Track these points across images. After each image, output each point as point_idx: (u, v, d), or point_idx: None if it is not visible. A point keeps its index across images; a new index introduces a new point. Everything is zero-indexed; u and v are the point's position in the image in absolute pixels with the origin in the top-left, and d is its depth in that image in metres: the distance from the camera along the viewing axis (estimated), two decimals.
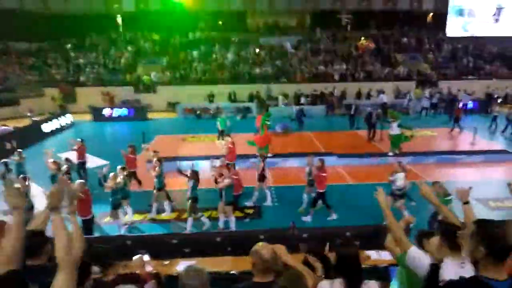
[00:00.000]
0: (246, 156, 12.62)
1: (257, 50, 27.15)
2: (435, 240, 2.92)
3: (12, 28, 25.38)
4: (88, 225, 7.13)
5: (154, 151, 10.01)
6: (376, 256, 5.51)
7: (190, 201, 8.13)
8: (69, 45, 27.58)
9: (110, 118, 21.45)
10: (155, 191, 9.17)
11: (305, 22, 30.79)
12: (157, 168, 9.01)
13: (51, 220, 2.12)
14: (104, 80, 24.75)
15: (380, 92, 22.84)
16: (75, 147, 11.23)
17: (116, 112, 21.72)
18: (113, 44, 27.99)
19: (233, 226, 8.15)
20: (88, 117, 21.59)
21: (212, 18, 30.69)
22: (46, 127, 17.80)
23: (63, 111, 20.86)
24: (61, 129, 18.79)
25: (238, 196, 8.81)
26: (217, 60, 26.19)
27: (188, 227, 8.09)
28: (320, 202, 8.82)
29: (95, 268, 3.40)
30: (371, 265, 5.25)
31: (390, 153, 13.33)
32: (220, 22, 30.86)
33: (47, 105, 22.52)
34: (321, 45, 27.91)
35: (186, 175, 8.28)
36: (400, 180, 8.27)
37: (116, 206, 8.09)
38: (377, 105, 20.23)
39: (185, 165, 10.25)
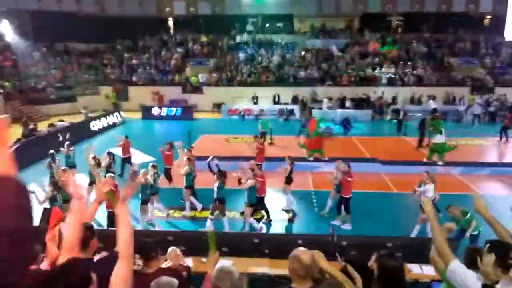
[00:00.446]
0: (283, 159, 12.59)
1: (303, 53, 26.99)
2: (489, 259, 2.73)
3: (71, 30, 27.27)
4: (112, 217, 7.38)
5: (188, 150, 10.10)
6: (419, 270, 5.28)
7: (216, 201, 8.11)
8: (123, 47, 29.08)
9: (159, 117, 22.33)
10: (184, 190, 9.28)
11: (353, 25, 30.13)
12: (186, 168, 9.09)
13: (117, 213, 2.20)
14: (155, 80, 25.83)
15: (430, 97, 21.81)
16: (120, 143, 11.78)
17: (164, 111, 22.56)
18: (164, 46, 29.12)
19: (247, 228, 8.06)
20: (138, 115, 22.61)
21: (260, 21, 30.99)
22: (99, 124, 18.91)
23: (115, 109, 22.06)
24: (113, 126, 19.85)
25: (262, 198, 8.61)
26: (262, 63, 26.38)
27: (207, 227, 7.99)
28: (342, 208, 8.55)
29: (137, 261, 3.57)
30: (412, 280, 5.05)
31: (440, 162, 12.69)
32: (267, 25, 31.07)
33: (102, 102, 23.93)
34: (369, 48, 27.19)
35: (214, 174, 8.32)
36: (430, 191, 7.79)
37: (145, 202, 8.32)
38: (427, 111, 19.35)
39: (224, 164, 10.39)
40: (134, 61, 27.29)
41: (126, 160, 11.76)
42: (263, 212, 8.97)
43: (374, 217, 8.72)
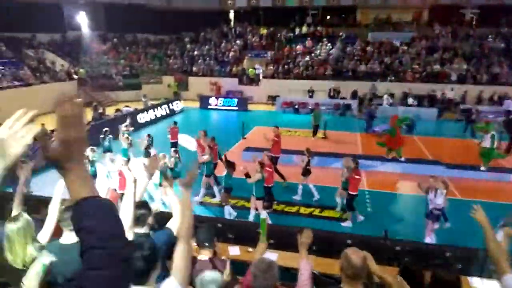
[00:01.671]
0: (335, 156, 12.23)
1: (364, 46, 25.93)
2: None
3: (140, 22, 28.81)
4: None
5: (212, 138, 10.44)
6: (480, 284, 4.83)
7: (222, 190, 8.52)
8: (186, 38, 30.09)
9: (215, 107, 22.84)
10: (204, 177, 9.48)
11: (422, 17, 28.24)
12: (205, 156, 9.37)
13: (183, 197, 2.32)
14: (213, 71, 26.43)
15: (506, 98, 19.90)
16: (168, 129, 12.63)
17: (221, 101, 23.03)
18: (224, 37, 29.64)
19: (251, 218, 8.12)
20: (196, 104, 23.32)
21: (320, 13, 30.32)
22: (158, 112, 19.77)
23: (176, 98, 22.96)
24: (172, 114, 20.68)
25: (270, 188, 8.74)
26: (321, 56, 25.79)
27: (226, 215, 8.28)
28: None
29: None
30: None
31: (483, 168, 11.61)
32: (328, 17, 30.30)
33: (163, 91, 25.02)
34: (439, 42, 25.36)
35: (224, 164, 8.70)
36: (440, 197, 7.20)
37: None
38: (500, 112, 17.69)
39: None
40: (195, 52, 28.12)
41: (174, 145, 12.26)
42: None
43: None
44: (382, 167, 11.94)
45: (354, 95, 22.59)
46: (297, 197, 9.65)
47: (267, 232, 3.15)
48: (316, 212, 9.07)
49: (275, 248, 5.86)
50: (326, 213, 8.98)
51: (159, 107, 20.01)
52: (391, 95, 21.76)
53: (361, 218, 8.60)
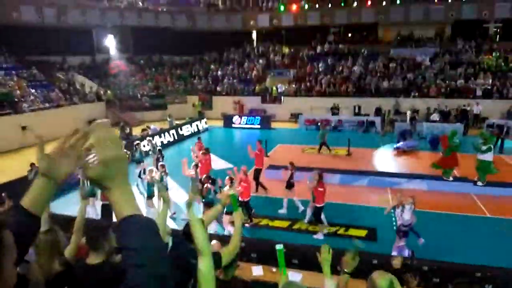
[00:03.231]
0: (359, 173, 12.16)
1: (386, 63, 25.84)
2: None
3: (165, 43, 29.88)
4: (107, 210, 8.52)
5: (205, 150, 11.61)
6: None
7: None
8: (210, 59, 30.90)
9: (239, 125, 23.18)
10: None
11: (444, 33, 27.93)
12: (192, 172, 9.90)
13: (191, 214, 2.41)
14: (237, 90, 26.93)
15: None
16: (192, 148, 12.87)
17: (244, 120, 23.37)
18: (247, 57, 30.25)
19: (226, 232, 8.10)
20: (220, 123, 23.75)
21: (342, 31, 30.54)
22: (185, 130, 20.31)
23: (200, 117, 23.49)
24: (197, 133, 21.15)
25: (245, 202, 8.94)
26: (343, 73, 25.87)
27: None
28: (323, 217, 8.71)
29: None
30: None
31: (479, 183, 11.18)
32: (350, 35, 30.46)
33: (188, 110, 25.65)
34: (462, 57, 24.98)
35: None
36: (408, 213, 7.13)
37: (149, 197, 9.43)
38: None
39: (298, 175, 10.35)
40: (219, 72, 28.78)
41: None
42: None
43: (461, 243, 7.97)
44: (407, 184, 11.76)
45: (377, 111, 22.44)
46: (283, 211, 9.86)
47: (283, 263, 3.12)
48: (341, 231, 9.03)
49: (299, 268, 5.89)
50: (353, 231, 8.92)
51: (183, 127, 20.55)
52: (415, 112, 21.47)
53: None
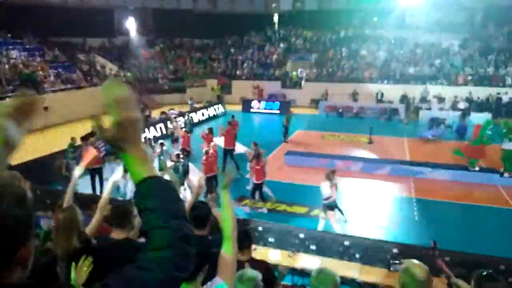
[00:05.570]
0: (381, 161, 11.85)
1: (413, 48, 24.93)
2: None
3: (186, 26, 29.68)
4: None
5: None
6: None
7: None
8: (230, 42, 30.58)
9: (257, 110, 22.96)
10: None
11: (475, 18, 26.60)
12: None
13: (224, 198, 2.41)
14: (256, 74, 26.61)
15: None
16: (203, 134, 12.54)
17: (263, 105, 23.11)
18: (268, 41, 29.78)
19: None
20: (239, 107, 23.58)
21: (367, 15, 29.52)
22: (204, 114, 20.22)
23: (219, 101, 23.37)
24: (215, 117, 21.07)
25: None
26: (367, 58, 25.14)
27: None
28: (257, 193, 9.04)
29: None
30: None
31: (506, 174, 10.69)
32: (375, 19, 29.45)
33: (207, 94, 25.57)
34: (493, 43, 23.82)
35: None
36: (325, 188, 7.51)
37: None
38: None
39: (318, 162, 10.16)
40: (239, 56, 28.46)
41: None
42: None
43: (487, 234, 7.66)
44: (430, 174, 11.37)
45: (402, 99, 21.72)
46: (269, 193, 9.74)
47: None
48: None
49: (315, 254, 5.79)
50: (370, 218, 8.69)
51: (202, 109, 20.49)
52: (441, 99, 20.73)
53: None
